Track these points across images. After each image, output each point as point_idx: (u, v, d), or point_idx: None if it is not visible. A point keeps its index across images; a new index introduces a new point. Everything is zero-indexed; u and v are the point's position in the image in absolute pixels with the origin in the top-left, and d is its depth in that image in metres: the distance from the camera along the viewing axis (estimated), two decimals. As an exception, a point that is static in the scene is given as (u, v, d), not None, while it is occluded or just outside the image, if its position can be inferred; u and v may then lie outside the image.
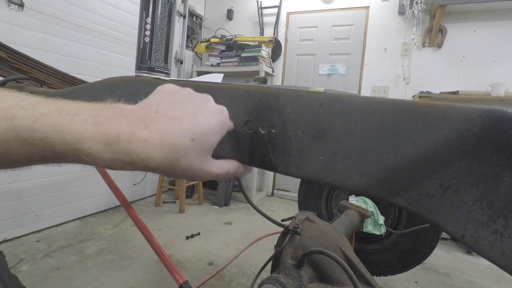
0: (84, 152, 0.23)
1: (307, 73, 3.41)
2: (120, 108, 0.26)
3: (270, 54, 3.37)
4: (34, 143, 0.21)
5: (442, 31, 2.80)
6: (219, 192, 3.05)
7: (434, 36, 2.80)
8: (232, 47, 3.30)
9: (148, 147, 0.25)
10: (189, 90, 0.32)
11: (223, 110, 0.31)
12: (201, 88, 0.48)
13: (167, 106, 0.28)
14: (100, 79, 0.62)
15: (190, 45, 3.52)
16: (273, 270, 0.71)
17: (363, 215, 1.23)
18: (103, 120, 0.24)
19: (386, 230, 1.30)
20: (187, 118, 0.27)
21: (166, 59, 0.75)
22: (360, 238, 1.43)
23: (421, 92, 2.67)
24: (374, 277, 1.31)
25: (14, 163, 0.22)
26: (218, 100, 0.46)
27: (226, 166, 0.33)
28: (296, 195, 1.71)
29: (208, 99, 0.31)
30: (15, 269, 1.58)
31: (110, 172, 1.17)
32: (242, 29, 3.60)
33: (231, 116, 0.46)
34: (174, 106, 0.28)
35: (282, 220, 0.76)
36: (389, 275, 1.45)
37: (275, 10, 3.44)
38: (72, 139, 0.22)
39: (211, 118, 0.29)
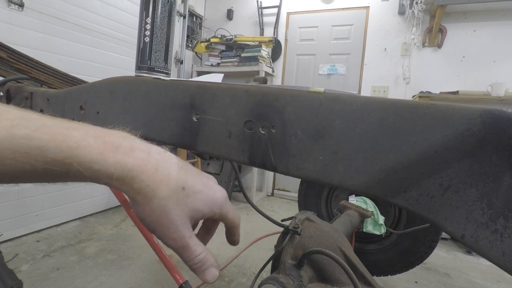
0: (77, 160, 0.22)
1: (307, 73, 3.41)
2: (127, 133, 0.27)
3: (270, 54, 3.37)
4: (28, 151, 0.21)
5: (442, 31, 2.80)
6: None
7: (434, 36, 2.80)
8: (232, 47, 3.30)
9: (141, 167, 0.24)
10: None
11: (221, 189, 0.31)
12: (201, 88, 0.48)
13: (176, 158, 0.28)
14: (100, 79, 0.62)
15: (190, 45, 3.52)
16: (273, 270, 0.71)
17: (363, 215, 1.23)
18: (105, 134, 0.24)
19: (386, 230, 1.30)
20: (186, 171, 0.28)
21: (166, 59, 0.75)
22: (360, 238, 1.43)
23: (421, 92, 2.67)
24: (374, 277, 1.31)
25: (2, 176, 0.22)
26: (218, 100, 0.46)
27: (200, 249, 0.27)
28: (296, 195, 1.71)
29: (211, 177, 0.31)
30: (15, 269, 1.58)
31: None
32: (242, 29, 3.60)
33: (231, 116, 0.46)
34: (181, 161, 0.29)
35: (282, 220, 0.76)
36: (389, 275, 1.45)
37: (275, 10, 3.44)
38: (68, 148, 0.22)
39: (207, 187, 0.29)
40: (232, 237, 0.34)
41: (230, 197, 3.11)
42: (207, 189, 0.29)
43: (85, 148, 0.22)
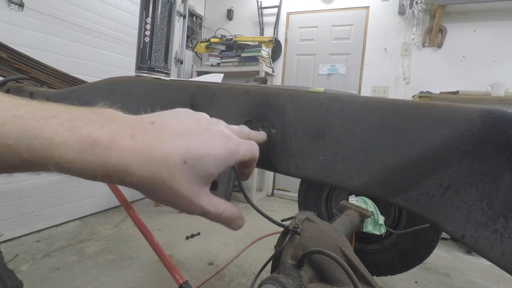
0: (52, 161, 0.19)
1: (307, 73, 3.41)
2: (109, 113, 0.23)
3: (270, 54, 3.37)
4: (0, 150, 0.19)
5: (442, 31, 2.80)
6: (219, 192, 3.04)
7: (434, 36, 2.80)
8: (232, 47, 3.30)
9: (127, 158, 0.21)
10: (202, 114, 0.29)
11: (230, 136, 0.27)
12: (201, 88, 0.48)
13: (167, 121, 0.25)
14: (100, 79, 0.62)
15: (190, 45, 3.52)
16: (273, 270, 0.71)
17: (363, 215, 1.23)
18: (82, 124, 0.21)
19: (386, 230, 1.30)
20: (184, 136, 0.24)
21: (166, 59, 0.75)
22: (360, 238, 1.43)
23: (421, 92, 2.67)
24: (374, 277, 1.31)
25: None
26: (218, 100, 0.46)
27: (221, 208, 0.27)
28: (296, 195, 1.71)
29: (217, 123, 0.28)
30: (15, 269, 1.58)
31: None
32: (242, 29, 3.60)
33: (231, 116, 0.46)
34: (175, 122, 0.25)
35: (282, 220, 0.76)
36: (389, 275, 1.45)
37: (275, 10, 3.44)
38: (40, 145, 0.19)
39: (214, 143, 0.25)
40: (247, 170, 0.32)
41: (230, 197, 3.11)
42: (214, 146, 0.25)
43: (60, 147, 0.19)
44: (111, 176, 0.21)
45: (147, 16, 0.71)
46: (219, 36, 3.39)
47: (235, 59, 3.26)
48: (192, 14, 3.59)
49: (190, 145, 0.23)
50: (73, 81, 1.01)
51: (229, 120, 0.45)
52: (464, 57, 2.77)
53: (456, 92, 2.53)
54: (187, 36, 3.44)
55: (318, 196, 1.60)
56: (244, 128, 0.33)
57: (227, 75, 3.38)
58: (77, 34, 2.22)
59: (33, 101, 0.21)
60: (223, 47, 3.34)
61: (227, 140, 0.26)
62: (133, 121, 0.23)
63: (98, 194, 2.51)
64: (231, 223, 0.28)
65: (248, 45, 3.23)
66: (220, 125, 0.28)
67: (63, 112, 0.21)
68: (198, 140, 0.24)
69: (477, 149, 0.31)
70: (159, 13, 0.71)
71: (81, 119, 0.21)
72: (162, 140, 0.23)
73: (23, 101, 0.21)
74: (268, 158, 0.41)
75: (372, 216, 1.28)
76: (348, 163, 0.37)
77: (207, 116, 0.29)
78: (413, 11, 2.75)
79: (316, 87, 0.41)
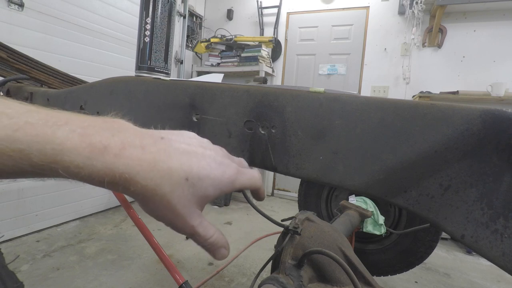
0: (62, 165, 0.20)
1: (307, 73, 3.41)
2: (120, 123, 0.24)
3: (270, 54, 3.37)
4: (11, 154, 0.19)
5: (442, 31, 2.80)
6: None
7: (434, 36, 2.80)
8: (232, 47, 3.30)
9: (135, 168, 0.22)
10: (207, 140, 0.30)
11: (230, 165, 0.28)
12: (201, 88, 0.48)
13: (175, 138, 0.26)
14: (100, 79, 0.62)
15: (190, 45, 3.52)
16: (273, 270, 0.71)
17: (363, 215, 1.23)
18: (93, 131, 0.21)
19: (386, 230, 1.30)
20: (189, 155, 0.25)
21: (166, 59, 0.75)
22: (360, 238, 1.43)
23: (421, 92, 2.67)
24: (374, 277, 1.31)
25: None
26: (218, 100, 0.46)
27: (210, 232, 0.27)
28: (296, 195, 1.71)
29: (220, 151, 0.29)
30: (15, 269, 1.58)
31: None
32: (242, 29, 3.60)
33: (231, 116, 0.46)
34: (182, 141, 0.27)
35: (282, 220, 0.76)
36: (389, 275, 1.45)
37: (275, 10, 3.44)
38: (52, 150, 0.20)
39: (215, 167, 0.27)
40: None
41: (230, 197, 3.11)
42: (214, 170, 0.26)
43: (70, 152, 0.20)
44: (117, 183, 0.22)
45: (147, 16, 0.71)
46: (219, 36, 3.39)
47: (235, 59, 3.26)
48: (192, 14, 3.59)
49: (193, 165, 0.25)
50: (73, 81, 1.01)
51: (229, 120, 0.45)
52: (464, 57, 2.77)
53: (456, 92, 2.53)
54: (187, 36, 3.45)
55: (318, 196, 1.60)
56: (242, 161, 0.34)
57: (227, 75, 3.38)
58: (77, 34, 2.22)
59: (44, 108, 0.22)
60: (223, 47, 3.34)
61: (226, 168, 0.28)
62: (144, 133, 0.24)
63: (98, 194, 2.51)
64: (216, 250, 0.28)
65: (248, 45, 3.23)
66: (222, 153, 0.29)
67: (75, 120, 0.22)
68: (200, 162, 0.26)
69: (477, 149, 0.31)
70: (159, 13, 0.71)
71: (93, 127, 0.22)
72: (169, 156, 0.24)
73: (35, 108, 0.21)
74: (268, 158, 0.41)
75: (372, 216, 1.28)
76: (348, 163, 0.37)
77: (211, 143, 0.30)
78: (413, 11, 2.75)
79: (316, 87, 0.41)
